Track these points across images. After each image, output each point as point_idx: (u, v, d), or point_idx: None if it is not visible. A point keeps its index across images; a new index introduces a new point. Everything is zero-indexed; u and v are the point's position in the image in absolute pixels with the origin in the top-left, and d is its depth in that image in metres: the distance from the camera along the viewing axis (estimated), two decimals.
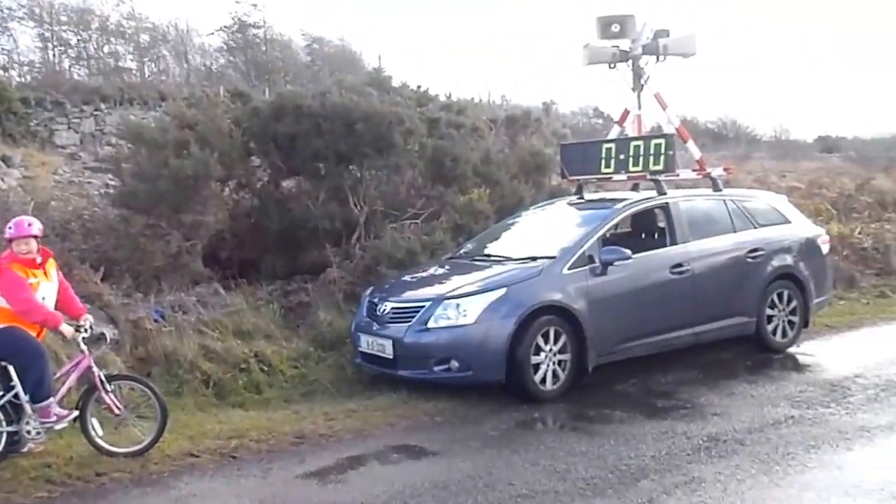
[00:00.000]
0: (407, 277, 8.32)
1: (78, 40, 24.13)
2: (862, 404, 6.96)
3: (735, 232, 8.64)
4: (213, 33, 27.42)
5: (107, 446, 5.97)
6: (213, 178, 9.26)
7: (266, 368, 7.77)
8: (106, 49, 24.87)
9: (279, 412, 7.08)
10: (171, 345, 7.55)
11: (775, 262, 8.70)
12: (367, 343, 7.61)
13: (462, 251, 8.83)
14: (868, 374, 7.79)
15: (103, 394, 5.98)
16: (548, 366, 7.25)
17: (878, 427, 6.37)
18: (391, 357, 7.37)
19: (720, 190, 9.01)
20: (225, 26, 27.19)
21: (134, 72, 24.73)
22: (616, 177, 8.90)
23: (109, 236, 9.09)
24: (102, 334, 6.61)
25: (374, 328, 7.60)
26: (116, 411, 6.01)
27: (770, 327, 8.69)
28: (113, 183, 9.65)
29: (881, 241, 13.29)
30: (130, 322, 7.75)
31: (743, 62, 57.89)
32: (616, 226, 8.41)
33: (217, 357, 7.64)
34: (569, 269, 7.54)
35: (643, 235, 8.73)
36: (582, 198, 9.07)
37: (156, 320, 7.92)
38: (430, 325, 7.24)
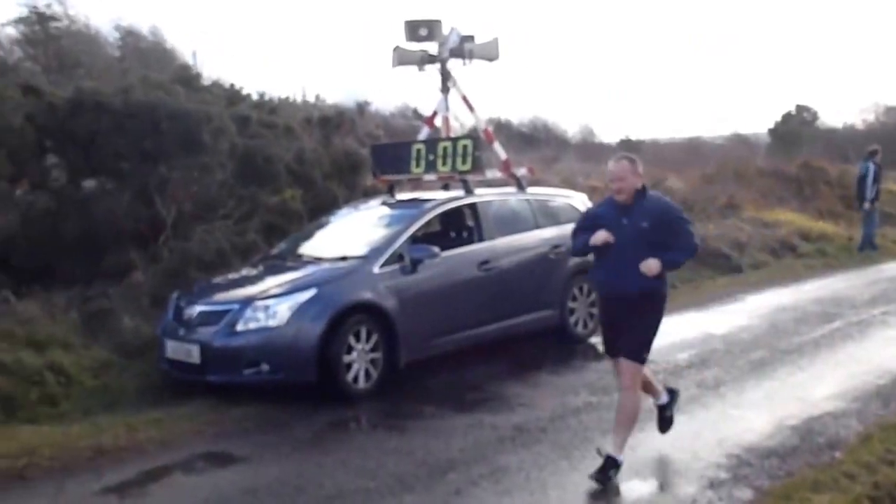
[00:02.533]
0: (217, 280, 8.14)
1: None
2: None
3: (539, 229, 9.00)
4: (6, 24, 25.55)
5: None
6: (2, 177, 8.67)
7: (62, 380, 7.31)
8: None
9: (76, 426, 6.68)
10: None
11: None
12: (172, 349, 7.37)
13: (274, 252, 8.72)
14: (658, 360, 8.22)
15: None
16: (360, 364, 7.29)
17: None
18: (199, 363, 7.17)
19: (524, 189, 9.36)
20: (21, 17, 25.41)
21: None
22: (426, 177, 9.06)
23: None
24: None
25: (181, 333, 7.37)
26: None
27: (572, 319, 9.12)
28: None
29: None
30: None
31: (553, 66, 60.44)
32: (426, 225, 8.57)
33: (5, 370, 7.11)
34: (380, 268, 7.61)
35: (452, 234, 8.94)
36: (394, 197, 9.17)
37: None
38: (240, 328, 7.11)
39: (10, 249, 8.92)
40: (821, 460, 5.74)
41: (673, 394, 6.14)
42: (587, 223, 5.72)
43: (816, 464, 5.67)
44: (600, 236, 5.41)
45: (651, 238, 5.35)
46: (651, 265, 5.32)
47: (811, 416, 6.63)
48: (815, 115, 45.03)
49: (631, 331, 5.51)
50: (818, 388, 7.41)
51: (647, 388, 5.93)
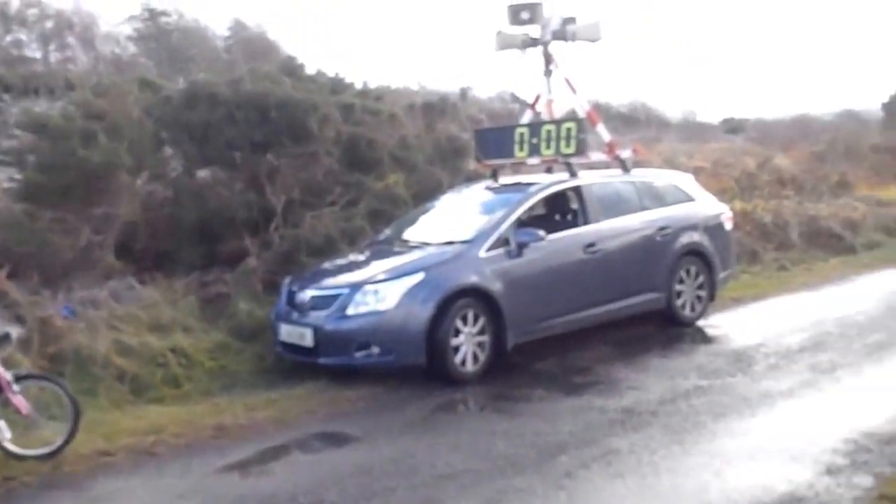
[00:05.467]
0: (326, 265, 8.33)
1: None
2: (764, 372, 7.30)
3: (644, 211, 8.90)
4: (122, 22, 26.67)
5: (15, 449, 5.74)
6: (123, 168, 9.06)
7: (184, 362, 7.66)
8: (8, 38, 23.93)
9: (199, 405, 7.01)
10: (83, 342, 7.36)
11: (683, 239, 8.99)
12: (286, 332, 7.61)
13: (381, 237, 8.88)
14: (770, 344, 8.16)
15: (10, 395, 5.74)
16: (467, 348, 7.37)
17: (779, 393, 6.70)
18: (311, 346, 7.38)
19: (629, 171, 9.26)
20: (133, 15, 26.50)
21: (38, 60, 23.87)
22: (530, 160, 9.05)
23: (13, 232, 8.80)
24: (7, 334, 6.33)
25: (294, 317, 7.60)
26: (25, 412, 5.77)
27: (679, 302, 8.99)
28: (18, 177, 9.32)
29: (780, 216, 13.83)
30: (39, 320, 7.53)
31: (653, 47, 59.12)
32: (531, 208, 8.57)
33: (132, 352, 7.48)
34: (486, 251, 7.67)
35: (557, 217, 8.93)
36: (497, 182, 9.20)
37: (66, 317, 7.71)
38: (350, 311, 7.28)
39: (133, 238, 9.33)
40: None
41: None
42: None
43: None
44: None
45: None
46: None
47: None
48: None
49: None
50: None
51: None
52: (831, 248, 13.81)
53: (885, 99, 42.51)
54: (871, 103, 41.84)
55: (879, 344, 8.06)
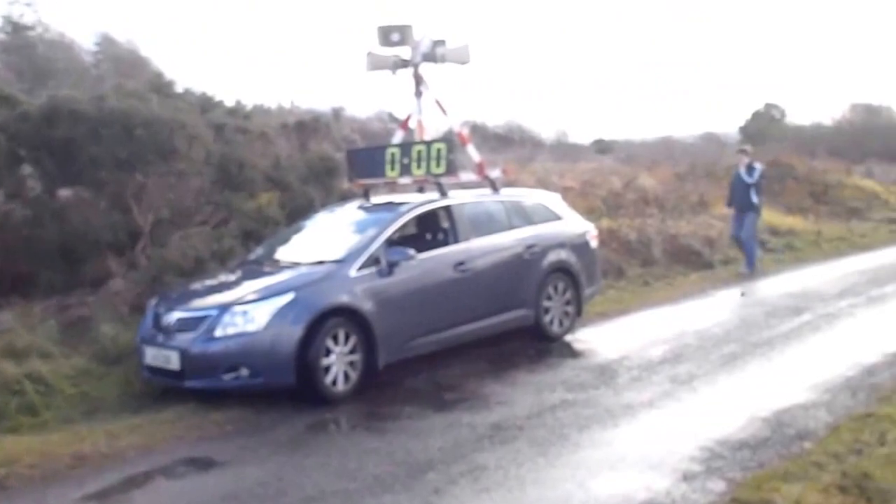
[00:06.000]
0: (195, 286, 8.17)
1: None
2: (627, 384, 7.57)
3: (512, 229, 9.12)
4: None
5: None
6: None
7: (42, 389, 7.32)
8: None
9: (57, 434, 6.70)
10: None
11: (550, 257, 9.26)
12: (152, 355, 7.41)
13: (252, 257, 8.78)
14: (633, 357, 8.48)
15: None
16: (338, 367, 7.36)
17: (640, 404, 6.97)
18: (178, 369, 7.22)
19: (498, 191, 9.48)
20: None
21: None
22: (401, 180, 9.14)
23: None
24: None
25: (160, 339, 7.41)
26: None
27: (547, 318, 9.24)
28: None
29: (644, 234, 14.37)
30: None
31: (527, 69, 60.64)
32: (402, 228, 8.64)
33: None
34: (356, 271, 7.69)
35: (428, 236, 9.03)
36: (369, 201, 9.25)
37: None
38: (218, 333, 7.16)
39: None
40: (791, 451, 5.87)
41: None
42: None
43: (787, 454, 5.80)
44: None
45: None
46: None
47: (782, 407, 6.77)
48: (783, 113, 45.63)
49: None
50: (788, 380, 7.56)
51: None
52: (691, 263, 14.43)
53: (742, 123, 45.06)
54: (730, 126, 44.18)
55: (733, 355, 8.49)
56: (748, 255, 14.03)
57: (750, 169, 14.00)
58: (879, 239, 17.48)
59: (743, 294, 12.08)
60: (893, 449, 5.77)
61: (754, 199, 13.96)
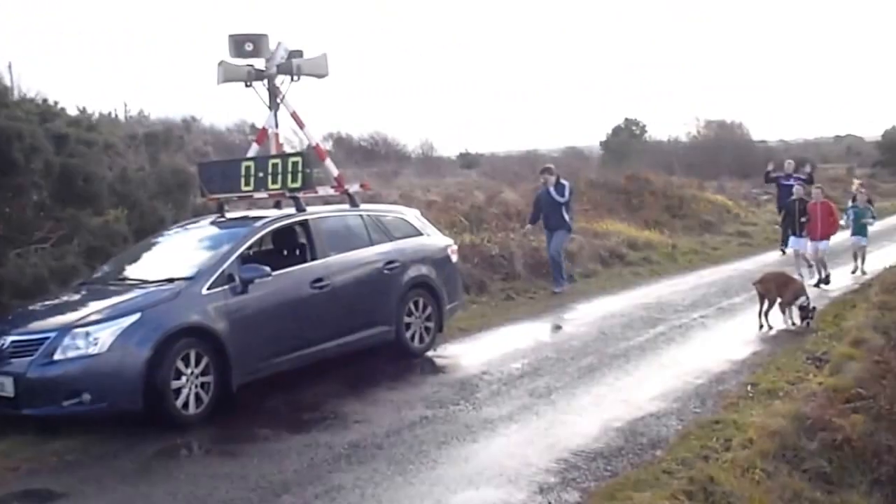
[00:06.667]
0: (34, 306, 7.69)
1: None
2: (487, 399, 7.60)
3: (372, 245, 9.00)
4: None
5: None
6: None
7: None
8: None
9: None
10: None
11: (411, 273, 9.18)
12: None
13: (97, 275, 8.33)
14: (493, 371, 8.51)
15: None
16: (190, 389, 7.05)
17: (499, 418, 7.00)
18: (13, 395, 6.74)
19: (357, 206, 9.35)
20: None
21: None
22: (256, 194, 8.90)
23: None
24: None
25: None
26: None
27: (409, 334, 9.15)
28: None
29: (507, 248, 14.51)
30: None
31: (393, 79, 60.94)
32: (258, 243, 8.42)
33: None
34: (208, 289, 7.40)
35: (285, 252, 8.83)
36: (223, 216, 8.96)
37: None
38: (58, 356, 6.74)
39: None
40: (643, 459, 6.06)
41: None
42: None
43: (639, 463, 5.99)
44: None
45: None
46: None
47: (635, 417, 6.97)
48: (643, 129, 47.55)
49: None
50: (643, 390, 7.79)
51: None
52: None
53: (603, 138, 46.65)
54: (593, 140, 45.66)
55: (590, 367, 8.66)
56: (556, 272, 13.56)
57: (559, 187, 13.53)
58: (730, 252, 18.33)
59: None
60: (738, 454, 6.03)
61: (566, 217, 13.59)
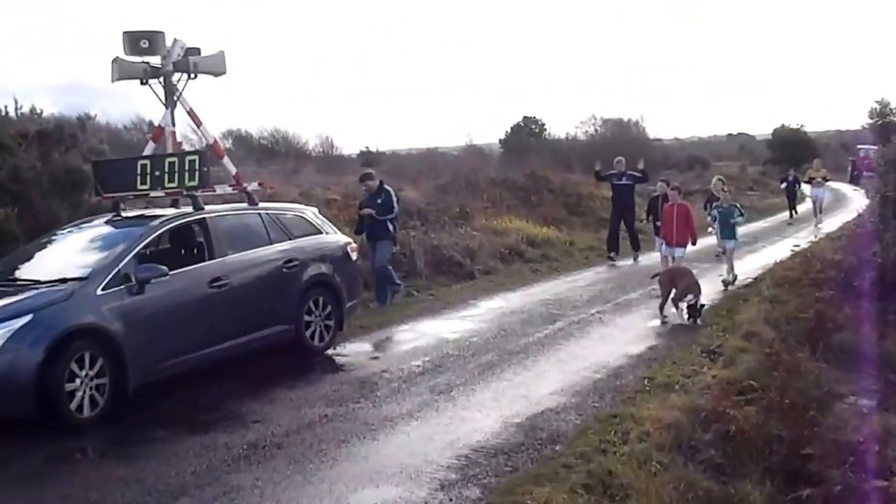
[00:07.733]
0: None
1: None
2: (387, 396, 7.68)
3: (271, 244, 8.98)
4: None
5: None
6: None
7: None
8: None
9: None
10: None
11: (310, 271, 9.19)
12: None
13: None
14: (393, 369, 8.60)
15: None
16: (84, 392, 6.91)
17: (399, 415, 7.08)
18: None
19: (256, 204, 9.31)
20: None
21: None
22: (153, 193, 8.76)
23: None
24: None
25: None
26: None
27: (308, 333, 9.16)
28: None
29: (407, 246, 14.62)
30: None
31: (294, 75, 60.23)
32: (155, 243, 8.29)
33: None
34: (103, 289, 7.26)
35: (182, 251, 8.72)
36: (119, 215, 8.78)
37: None
38: None
39: None
40: (543, 454, 6.19)
41: None
42: None
43: (539, 458, 6.11)
44: None
45: None
46: None
47: (535, 412, 7.12)
48: (542, 127, 48.38)
49: None
50: (542, 385, 7.97)
51: None
52: (454, 274, 14.87)
53: (503, 135, 47.27)
54: (493, 138, 46.19)
55: (491, 363, 8.81)
56: (382, 285, 12.37)
57: (384, 194, 12.33)
58: (626, 248, 18.86)
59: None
60: (635, 447, 6.19)
61: (390, 227, 12.39)
